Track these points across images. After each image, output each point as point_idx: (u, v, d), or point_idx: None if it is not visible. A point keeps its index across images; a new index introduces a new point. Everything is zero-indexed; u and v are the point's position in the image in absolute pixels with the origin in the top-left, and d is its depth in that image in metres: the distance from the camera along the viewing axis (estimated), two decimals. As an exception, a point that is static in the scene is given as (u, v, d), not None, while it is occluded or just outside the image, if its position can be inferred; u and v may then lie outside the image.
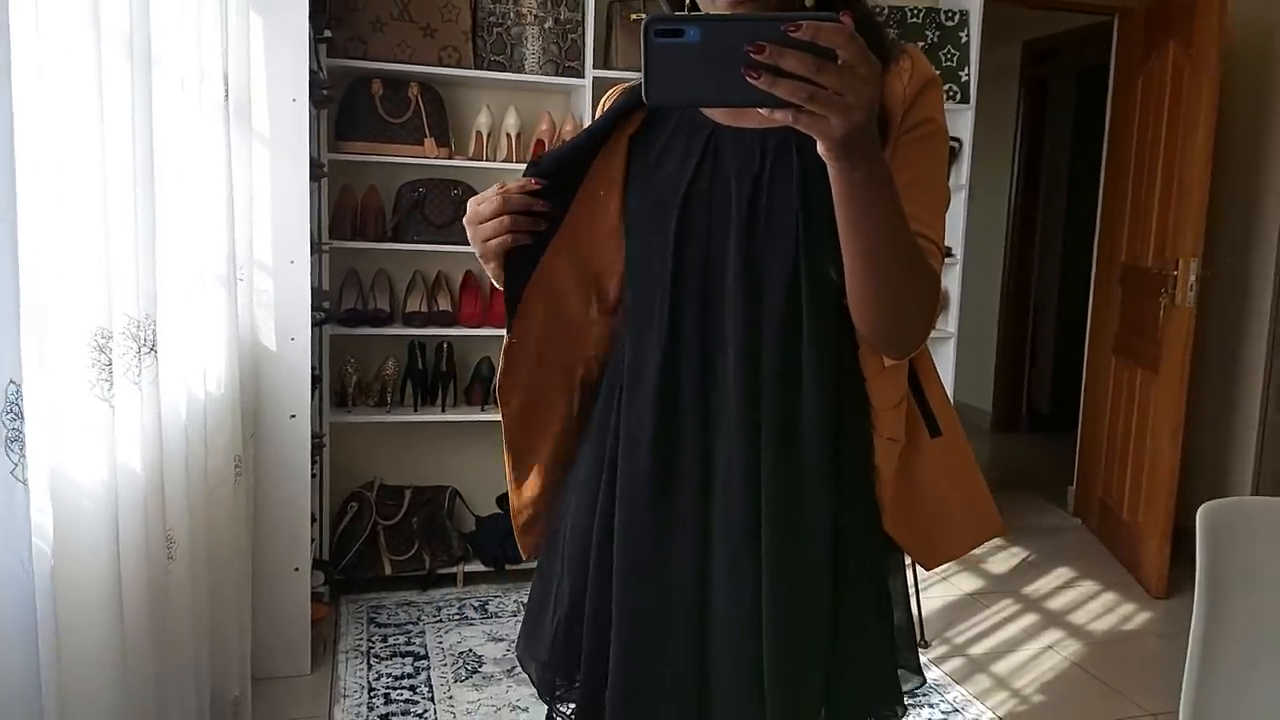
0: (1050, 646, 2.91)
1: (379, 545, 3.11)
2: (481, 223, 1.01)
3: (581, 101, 3.03)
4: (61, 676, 1.10)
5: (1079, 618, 3.13)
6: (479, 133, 3.02)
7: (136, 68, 1.28)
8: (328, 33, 2.72)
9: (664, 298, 1.02)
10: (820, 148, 0.79)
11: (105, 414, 1.21)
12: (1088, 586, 3.39)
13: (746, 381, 1.00)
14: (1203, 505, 1.48)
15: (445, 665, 2.63)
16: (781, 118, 0.75)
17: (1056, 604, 3.23)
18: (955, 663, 2.78)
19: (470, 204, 1.02)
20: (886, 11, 3.33)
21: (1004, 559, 3.63)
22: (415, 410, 3.09)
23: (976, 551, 3.68)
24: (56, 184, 1.14)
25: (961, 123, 3.42)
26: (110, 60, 1.20)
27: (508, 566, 3.13)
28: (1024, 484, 4.56)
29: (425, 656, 2.68)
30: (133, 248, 1.29)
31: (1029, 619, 3.11)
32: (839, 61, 0.72)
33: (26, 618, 1.06)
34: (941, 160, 1.03)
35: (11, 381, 0.97)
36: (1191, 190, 3.18)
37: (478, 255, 1.03)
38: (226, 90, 1.97)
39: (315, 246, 2.77)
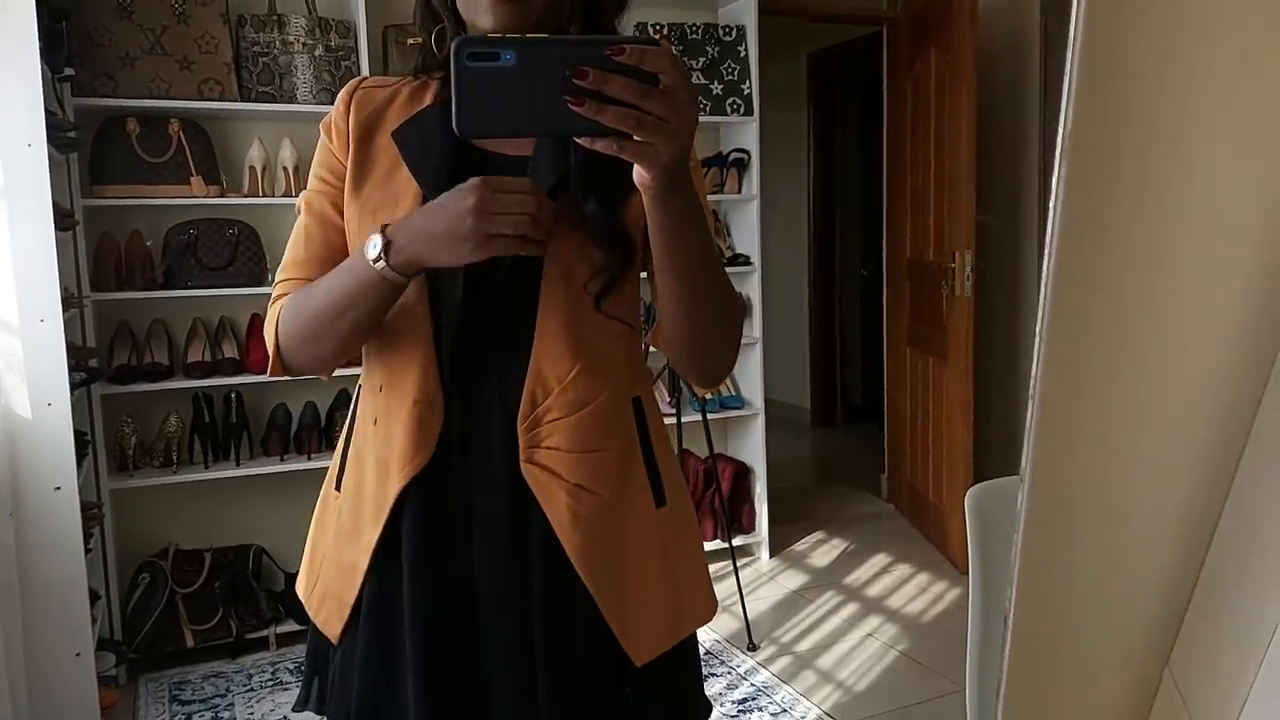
0: (870, 634, 3.01)
1: (179, 616, 2.88)
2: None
3: (363, 130, 2.92)
4: None
5: (895, 602, 3.26)
6: (252, 168, 2.86)
7: None
8: (69, 71, 2.52)
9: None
10: (640, 178, 0.78)
11: None
12: (902, 570, 3.53)
13: (507, 414, 0.98)
14: (969, 490, 1.55)
15: (257, 737, 2.46)
16: (604, 147, 0.73)
17: (874, 591, 3.36)
18: (783, 662, 2.83)
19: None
20: (666, 29, 3.39)
21: (825, 551, 3.75)
22: (206, 467, 2.89)
23: (799, 546, 3.81)
24: None
25: (747, 134, 3.52)
26: None
27: (323, 621, 2.96)
28: (842, 475, 4.73)
29: (235, 730, 2.50)
30: None
31: (850, 609, 3.21)
32: (661, 86, 0.71)
33: None
34: (705, 189, 1.06)
35: None
36: (960, 187, 3.38)
37: (479, 239, 0.86)
38: (-65, 138, 1.78)
39: (73, 301, 2.55)
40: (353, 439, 1.06)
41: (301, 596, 1.11)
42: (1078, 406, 0.48)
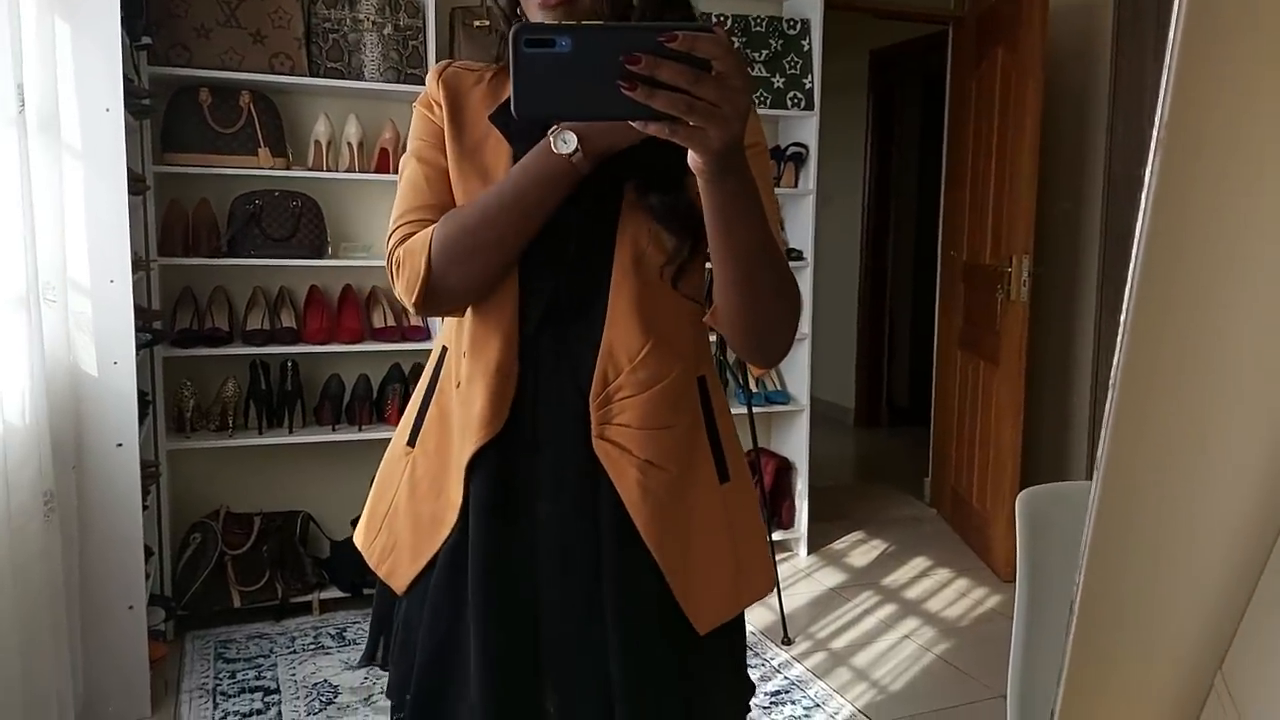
0: (907, 636, 2.99)
1: (227, 576, 2.96)
2: None
3: (426, 110, 2.96)
4: None
5: (934, 605, 3.23)
6: (318, 142, 2.91)
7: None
8: (146, 39, 2.58)
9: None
10: (694, 161, 0.79)
11: None
12: (942, 574, 3.51)
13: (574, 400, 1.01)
14: (1020, 493, 1.54)
15: (298, 699, 2.52)
16: (656, 131, 0.74)
17: (913, 593, 3.34)
18: (817, 658, 2.83)
19: None
20: (730, 21, 3.38)
21: (864, 551, 3.73)
22: (260, 433, 2.96)
23: (838, 545, 3.80)
24: None
25: (806, 129, 3.50)
26: None
27: (365, 591, 3.02)
28: (884, 477, 4.71)
29: (276, 690, 2.56)
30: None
31: (887, 609, 3.19)
32: (714, 72, 0.72)
33: None
34: (770, 176, 1.07)
35: None
36: (1021, 190, 3.34)
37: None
38: (22, 101, 1.83)
39: (141, 264, 2.62)
40: (434, 398, 1.09)
41: (361, 547, 1.15)
42: (1156, 402, 0.48)
